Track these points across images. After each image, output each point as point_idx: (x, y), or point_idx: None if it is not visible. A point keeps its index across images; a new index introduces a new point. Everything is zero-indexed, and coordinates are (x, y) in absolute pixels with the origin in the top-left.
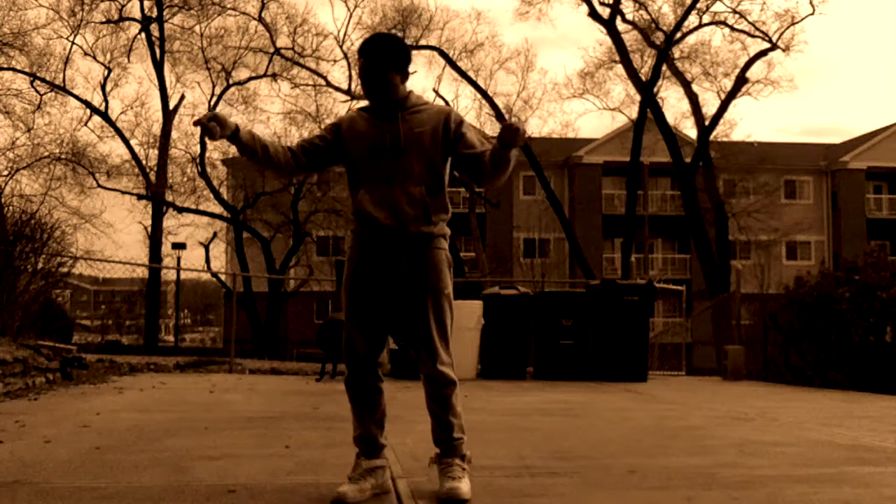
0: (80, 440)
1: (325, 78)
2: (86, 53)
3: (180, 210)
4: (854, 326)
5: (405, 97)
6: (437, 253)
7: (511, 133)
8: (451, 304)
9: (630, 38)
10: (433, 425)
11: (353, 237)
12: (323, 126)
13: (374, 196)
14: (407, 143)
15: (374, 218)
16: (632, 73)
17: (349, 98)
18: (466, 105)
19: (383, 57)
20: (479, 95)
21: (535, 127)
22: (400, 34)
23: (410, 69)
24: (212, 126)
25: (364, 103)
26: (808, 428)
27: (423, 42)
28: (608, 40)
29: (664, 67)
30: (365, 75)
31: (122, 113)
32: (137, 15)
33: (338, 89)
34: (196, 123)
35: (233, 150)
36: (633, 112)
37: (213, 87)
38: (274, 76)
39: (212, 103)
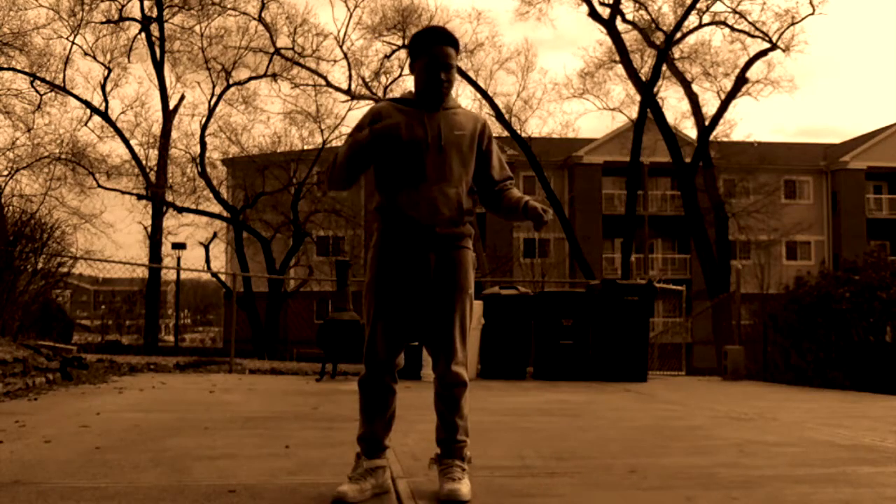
0: (80, 440)
1: (325, 78)
2: (86, 53)
3: (180, 210)
4: (854, 326)
5: (447, 95)
6: (465, 252)
7: (538, 220)
8: (472, 304)
9: (630, 38)
10: (438, 425)
11: (377, 235)
12: (327, 131)
13: (410, 194)
14: (447, 143)
15: (408, 216)
16: (632, 73)
17: (349, 98)
18: (466, 105)
19: (448, 37)
20: (479, 95)
21: (535, 127)
22: (399, 33)
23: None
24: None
25: (364, 103)
26: (808, 428)
27: None
28: (608, 40)
29: (664, 67)
30: (432, 63)
31: (122, 113)
32: (137, 15)
33: (338, 89)
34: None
35: (233, 150)
36: (633, 112)
37: (213, 87)
38: (274, 76)
39: (212, 103)
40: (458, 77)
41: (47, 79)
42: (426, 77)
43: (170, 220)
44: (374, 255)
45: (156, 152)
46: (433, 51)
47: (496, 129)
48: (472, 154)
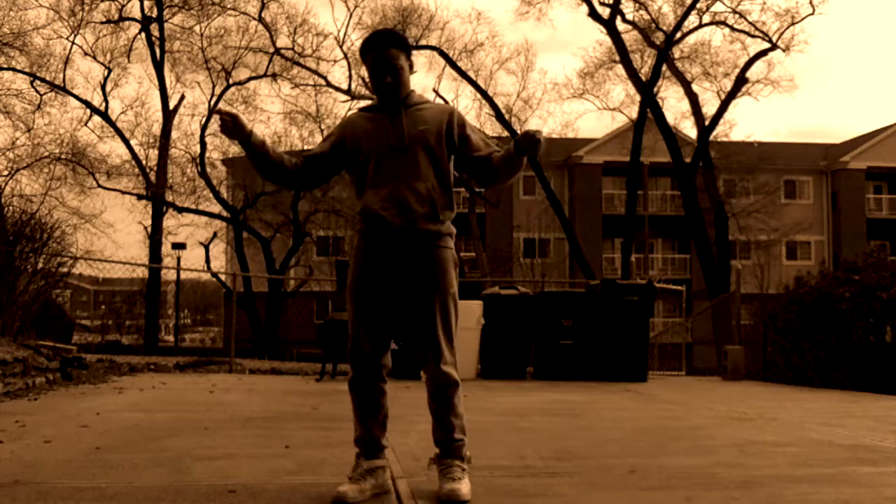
0: (80, 440)
1: (325, 78)
2: (86, 53)
3: (180, 210)
4: (854, 326)
5: (408, 94)
6: (444, 252)
7: (531, 142)
8: (456, 304)
9: (630, 38)
10: (434, 425)
11: (358, 237)
12: (326, 131)
13: (380, 194)
14: (411, 140)
15: (381, 217)
16: (632, 73)
17: (349, 98)
18: (466, 105)
19: (388, 39)
20: (479, 95)
21: (535, 127)
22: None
23: (413, 58)
24: (227, 120)
25: (364, 103)
26: (808, 428)
27: (423, 42)
28: (608, 40)
29: (664, 67)
30: (375, 68)
31: (122, 113)
32: (137, 15)
33: (338, 89)
34: (216, 112)
35: (233, 150)
36: (633, 112)
37: (213, 87)
38: (274, 76)
39: (212, 103)
40: (456, 77)
41: (47, 79)
42: (373, 81)
43: (170, 220)
44: (354, 258)
45: (156, 152)
46: (373, 56)
47: (496, 128)
48: (442, 147)
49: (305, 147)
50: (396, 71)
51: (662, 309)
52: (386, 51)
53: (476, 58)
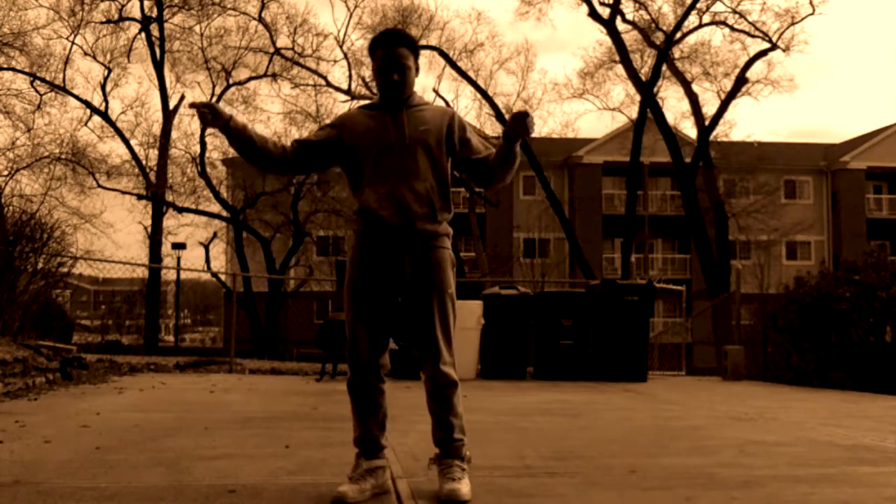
0: (80, 440)
1: (325, 78)
2: (86, 53)
3: (180, 210)
4: (854, 326)
5: (410, 95)
6: (442, 252)
7: (520, 120)
8: (454, 304)
9: (630, 38)
10: (433, 425)
11: (355, 236)
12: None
13: (379, 193)
14: (412, 140)
15: (378, 216)
16: (632, 73)
17: (349, 98)
18: (466, 105)
19: (399, 39)
20: (479, 95)
21: (535, 127)
22: None
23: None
24: (204, 112)
25: (363, 102)
26: (808, 428)
27: (423, 42)
28: (608, 40)
29: (664, 67)
30: (383, 64)
31: (122, 113)
32: (137, 15)
33: (338, 89)
34: (192, 106)
35: (233, 150)
36: (633, 112)
37: (213, 87)
38: (274, 76)
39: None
40: (456, 77)
41: (47, 79)
42: (380, 79)
43: (170, 220)
44: (351, 258)
45: (156, 152)
46: (382, 53)
47: (496, 128)
48: (442, 149)
49: None
50: (404, 70)
51: (662, 309)
52: (396, 49)
53: (476, 58)
